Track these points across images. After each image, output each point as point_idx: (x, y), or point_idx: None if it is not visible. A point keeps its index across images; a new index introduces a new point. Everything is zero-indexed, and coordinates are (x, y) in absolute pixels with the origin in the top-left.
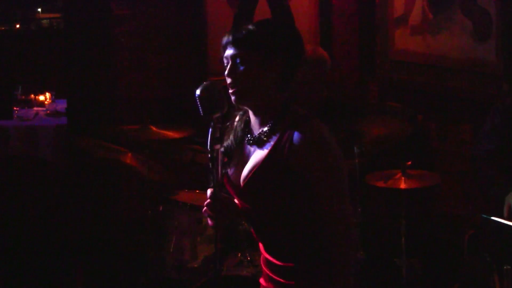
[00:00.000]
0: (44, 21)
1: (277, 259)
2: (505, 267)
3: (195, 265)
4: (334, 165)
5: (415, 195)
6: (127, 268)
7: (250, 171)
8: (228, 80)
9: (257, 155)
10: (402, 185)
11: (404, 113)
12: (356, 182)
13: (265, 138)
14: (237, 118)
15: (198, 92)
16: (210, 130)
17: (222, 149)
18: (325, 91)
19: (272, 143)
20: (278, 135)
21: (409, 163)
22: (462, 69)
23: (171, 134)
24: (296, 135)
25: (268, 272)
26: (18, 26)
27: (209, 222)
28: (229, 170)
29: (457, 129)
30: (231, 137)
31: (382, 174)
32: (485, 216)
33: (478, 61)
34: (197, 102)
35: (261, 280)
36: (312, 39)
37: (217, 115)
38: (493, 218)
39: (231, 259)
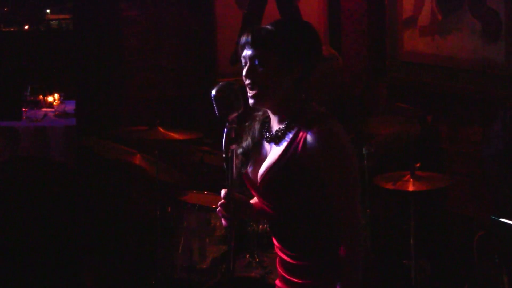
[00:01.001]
0: (53, 22)
1: (293, 258)
2: None
3: (204, 266)
4: (347, 165)
5: (424, 197)
6: (136, 269)
7: (266, 169)
8: (246, 81)
9: (274, 152)
10: (411, 187)
11: (414, 114)
12: (365, 184)
13: (280, 135)
14: (256, 119)
15: (214, 92)
16: (226, 130)
17: (240, 150)
18: (337, 90)
19: (287, 140)
20: (293, 132)
21: (418, 164)
22: (472, 70)
23: (179, 135)
24: (310, 134)
25: (283, 273)
26: (27, 27)
27: (223, 222)
28: (248, 168)
29: (467, 130)
30: (249, 138)
31: (391, 176)
32: (494, 217)
33: (488, 62)
34: (212, 102)
35: (277, 282)
36: (321, 40)
37: (233, 115)
38: (502, 219)
39: (239, 260)
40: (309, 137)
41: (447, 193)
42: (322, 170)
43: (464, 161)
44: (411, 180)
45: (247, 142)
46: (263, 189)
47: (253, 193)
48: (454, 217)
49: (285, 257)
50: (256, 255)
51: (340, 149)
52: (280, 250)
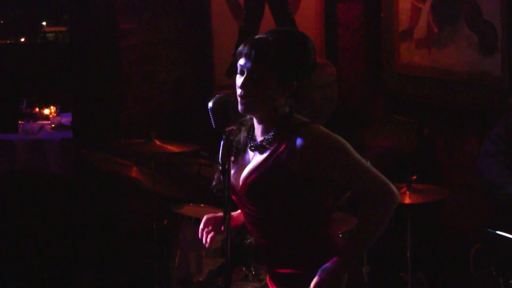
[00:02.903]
0: (50, 35)
1: (280, 267)
2: (511, 281)
3: (200, 279)
4: (346, 151)
5: (420, 209)
6: (132, 282)
7: (247, 176)
8: (239, 91)
9: (256, 159)
10: (407, 200)
11: (410, 127)
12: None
13: (266, 145)
14: (243, 125)
15: (210, 104)
16: (222, 142)
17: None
18: (335, 96)
19: (271, 149)
20: (277, 142)
21: (415, 177)
22: (468, 82)
23: (175, 148)
24: (297, 141)
25: (270, 283)
26: (23, 39)
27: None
28: (231, 173)
29: (463, 143)
30: (234, 144)
31: None
32: (491, 230)
33: (484, 75)
34: (209, 114)
35: None
36: (318, 53)
37: (230, 127)
38: (499, 232)
39: (236, 273)
40: (296, 145)
41: (443, 205)
42: (321, 168)
43: (460, 174)
44: (408, 192)
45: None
46: (244, 194)
47: (233, 197)
48: (451, 230)
49: (272, 268)
50: (252, 268)
51: (333, 141)
52: (268, 260)
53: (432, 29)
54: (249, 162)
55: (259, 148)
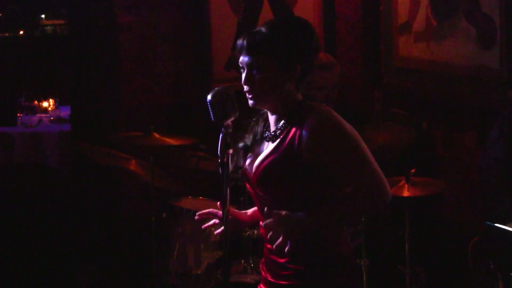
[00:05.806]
0: (48, 28)
1: (287, 261)
2: (510, 274)
3: (199, 272)
4: (351, 139)
5: (419, 202)
6: (131, 275)
7: (260, 163)
8: (245, 88)
9: (269, 148)
10: (406, 193)
11: (409, 120)
12: None
13: (278, 134)
14: (261, 116)
15: (209, 97)
16: (221, 135)
17: (242, 144)
18: (336, 96)
19: (282, 136)
20: (288, 128)
21: (413, 170)
22: (466, 76)
23: (174, 141)
24: (306, 123)
25: (270, 277)
26: (22, 32)
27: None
28: (247, 163)
29: (462, 136)
30: (251, 135)
31: None
32: (489, 223)
33: (483, 68)
34: (208, 107)
35: (261, 286)
36: (317, 34)
37: (229, 120)
38: (497, 225)
39: (235, 266)
40: (305, 130)
41: (442, 198)
42: (323, 152)
43: (459, 167)
44: (406, 185)
45: (249, 138)
46: (256, 181)
47: (248, 186)
48: (449, 223)
49: (276, 258)
50: (251, 261)
51: (339, 125)
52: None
53: (431, 22)
54: (262, 151)
55: (272, 138)
